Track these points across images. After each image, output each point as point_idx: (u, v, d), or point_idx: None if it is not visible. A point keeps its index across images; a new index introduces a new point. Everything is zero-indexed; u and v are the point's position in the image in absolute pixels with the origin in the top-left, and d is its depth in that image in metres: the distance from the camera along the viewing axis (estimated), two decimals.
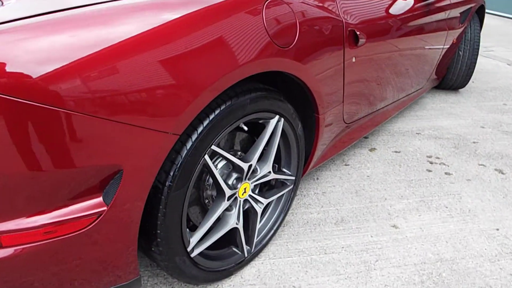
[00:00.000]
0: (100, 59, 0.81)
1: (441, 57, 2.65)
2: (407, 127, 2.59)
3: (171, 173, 1.03)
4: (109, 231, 0.93)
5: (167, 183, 1.03)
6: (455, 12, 2.55)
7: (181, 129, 0.98)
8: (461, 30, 2.76)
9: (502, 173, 2.10)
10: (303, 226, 1.67)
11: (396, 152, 2.28)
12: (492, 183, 2.01)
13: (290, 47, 1.20)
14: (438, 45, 2.48)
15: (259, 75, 1.33)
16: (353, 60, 1.57)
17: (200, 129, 1.05)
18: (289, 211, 1.75)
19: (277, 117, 1.30)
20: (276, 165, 1.49)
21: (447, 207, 1.82)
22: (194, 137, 1.05)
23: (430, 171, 2.10)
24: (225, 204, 1.23)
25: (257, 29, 1.09)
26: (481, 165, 2.18)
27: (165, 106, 0.91)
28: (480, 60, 4.24)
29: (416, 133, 2.52)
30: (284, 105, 1.31)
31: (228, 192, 1.22)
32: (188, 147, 1.04)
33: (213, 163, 1.24)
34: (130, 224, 0.97)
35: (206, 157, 1.10)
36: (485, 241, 1.62)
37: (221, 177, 1.24)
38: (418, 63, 2.33)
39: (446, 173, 2.08)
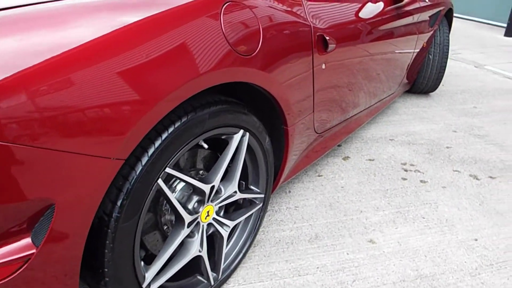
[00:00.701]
0: (16, 77, 0.67)
1: (412, 61, 2.61)
2: (380, 133, 2.53)
3: (118, 203, 0.89)
4: (41, 276, 0.79)
5: (114, 214, 0.89)
6: (425, 16, 2.52)
7: (126, 153, 0.84)
8: (430, 33, 2.73)
9: (477, 179, 2.06)
10: (275, 246, 1.56)
11: (370, 160, 2.20)
12: (467, 190, 1.96)
13: (253, 55, 1.09)
14: (408, 49, 2.44)
15: (222, 86, 1.22)
16: (323, 66, 1.48)
17: (151, 151, 0.92)
18: (260, 230, 1.64)
19: (241, 131, 1.18)
20: (244, 183, 1.37)
21: (424, 218, 1.75)
22: (144, 160, 0.91)
23: (405, 179, 2.03)
24: (185, 231, 1.10)
25: (214, 37, 0.98)
26: (455, 171, 2.13)
27: (104, 126, 0.78)
28: (449, 63, 4.27)
29: (390, 139, 2.46)
30: (249, 118, 1.19)
31: (188, 219, 1.09)
32: (137, 172, 0.90)
33: (169, 186, 1.11)
34: (69, 265, 0.83)
35: (160, 181, 0.97)
36: (465, 253, 1.55)
37: (180, 201, 1.12)
38: (390, 67, 2.27)
39: (421, 181, 2.02)
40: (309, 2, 1.42)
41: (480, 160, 2.25)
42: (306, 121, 1.50)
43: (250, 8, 1.11)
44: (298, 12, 1.34)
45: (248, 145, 1.25)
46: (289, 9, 1.30)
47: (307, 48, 1.34)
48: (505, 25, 6.00)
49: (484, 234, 1.66)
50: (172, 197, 1.03)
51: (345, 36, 1.63)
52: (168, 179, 1.11)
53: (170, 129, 0.95)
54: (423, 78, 3.02)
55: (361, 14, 1.80)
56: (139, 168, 0.91)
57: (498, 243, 1.61)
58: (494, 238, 1.64)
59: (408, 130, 2.59)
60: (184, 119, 0.98)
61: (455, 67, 4.18)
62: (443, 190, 1.95)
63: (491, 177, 2.08)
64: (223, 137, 1.17)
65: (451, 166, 2.17)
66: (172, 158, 0.98)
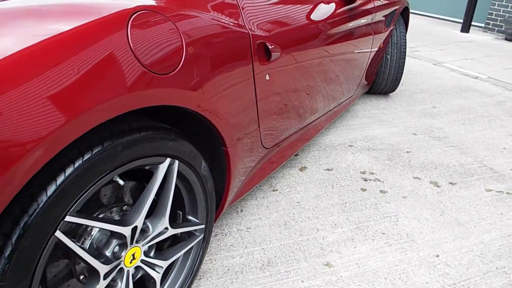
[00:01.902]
0: None
1: (369, 62, 2.52)
2: (339, 139, 2.42)
3: None
4: None
5: None
6: (380, 16, 2.42)
7: (1, 206, 0.66)
8: (387, 33, 2.65)
9: (437, 186, 1.98)
10: (223, 276, 1.40)
11: (328, 170, 2.09)
12: (428, 199, 1.87)
13: (174, 72, 0.92)
14: (365, 50, 2.33)
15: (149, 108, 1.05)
16: (267, 77, 1.33)
17: (42, 199, 0.74)
18: (208, 258, 1.47)
19: (168, 160, 1.02)
20: (180, 213, 1.21)
21: (384, 234, 1.64)
22: (32, 210, 0.73)
23: (364, 190, 1.93)
24: (102, 283, 0.93)
25: (119, 55, 0.80)
26: (416, 178, 2.04)
27: None
28: (407, 61, 4.26)
29: (349, 146, 2.35)
30: (177, 144, 1.03)
31: (103, 269, 0.91)
32: (22, 227, 0.72)
33: (79, 234, 0.92)
34: None
35: (59, 233, 0.79)
36: (426, 272, 1.45)
37: (97, 247, 0.94)
38: (346, 70, 2.16)
39: (381, 191, 1.92)
40: (248, 7, 1.26)
41: (440, 165, 2.18)
42: (251, 139, 1.35)
43: (170, 18, 0.94)
44: (234, 19, 1.18)
45: (181, 173, 1.09)
46: (222, 16, 1.14)
47: (244, 59, 1.18)
48: (461, 21, 6.10)
49: (446, 248, 1.57)
50: (79, 249, 0.85)
51: (293, 41, 1.49)
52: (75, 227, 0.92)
53: (69, 170, 0.77)
54: (381, 79, 2.94)
55: (311, 17, 1.66)
56: (23, 222, 0.72)
57: (460, 258, 1.53)
58: (456, 253, 1.55)
59: (368, 135, 2.50)
60: (87, 156, 0.80)
61: (414, 65, 4.16)
62: (404, 200, 1.86)
63: (451, 183, 2.01)
64: (146, 167, 1.00)
65: (411, 173, 2.09)
66: (74, 204, 0.80)
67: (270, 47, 1.29)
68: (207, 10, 1.09)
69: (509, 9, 5.86)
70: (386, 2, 2.55)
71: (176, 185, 1.11)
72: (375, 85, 3.00)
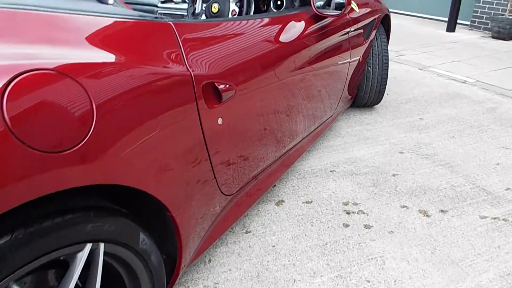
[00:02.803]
0: None
1: (348, 79, 2.34)
2: (320, 164, 2.24)
3: None
4: None
5: None
6: (357, 28, 2.25)
7: None
8: (366, 45, 2.47)
9: (427, 215, 1.80)
10: None
11: (307, 202, 1.90)
12: (417, 233, 1.69)
13: (80, 145, 0.73)
14: (342, 67, 2.16)
15: None
16: (220, 121, 1.14)
17: None
18: None
19: (88, 246, 0.82)
20: None
21: (368, 281, 1.45)
22: None
23: (347, 225, 1.74)
24: None
25: None
26: (403, 207, 1.86)
27: None
28: (392, 66, 4.09)
29: (330, 171, 2.17)
30: (100, 224, 0.84)
31: None
32: None
33: None
34: None
35: None
36: None
37: None
38: (324, 90, 1.98)
39: (365, 226, 1.74)
40: (190, 42, 1.07)
41: (430, 189, 2.00)
42: (204, 194, 1.16)
43: (72, 76, 0.74)
44: (171, 60, 0.99)
45: (111, 253, 0.89)
46: (155, 59, 0.95)
47: (185, 107, 0.99)
48: (447, 19, 5.96)
49: None
50: None
51: (253, 72, 1.30)
52: None
53: None
54: (364, 93, 2.77)
55: (277, 39, 1.48)
56: None
57: None
58: None
59: (351, 157, 2.32)
60: None
61: (400, 70, 3.99)
62: (390, 236, 1.68)
63: (442, 211, 1.84)
64: (61, 258, 0.81)
65: (398, 201, 1.91)
66: None
67: (220, 87, 1.10)
68: (134, 55, 0.90)
69: (494, 6, 5.73)
70: (364, 12, 2.38)
71: (109, 264, 0.92)
72: (358, 99, 2.82)
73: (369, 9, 2.49)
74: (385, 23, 2.85)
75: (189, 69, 1.02)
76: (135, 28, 0.95)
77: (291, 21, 1.64)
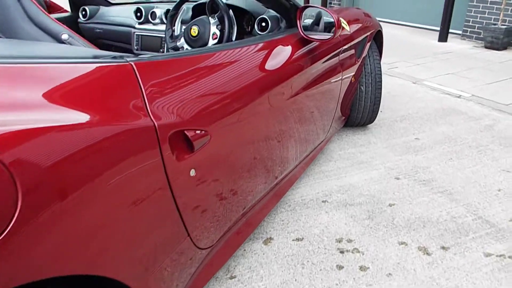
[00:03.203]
0: None
1: (340, 102, 2.21)
2: (312, 193, 2.10)
3: None
4: None
5: None
6: (348, 48, 2.12)
7: None
8: (358, 64, 2.34)
9: (428, 254, 1.66)
10: None
11: (298, 240, 1.75)
12: (418, 275, 1.55)
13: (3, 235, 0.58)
14: (333, 91, 2.02)
15: None
16: (192, 173, 0.99)
17: None
18: None
19: None
20: None
21: None
22: None
23: (341, 267, 1.59)
24: None
25: None
26: (402, 243, 1.72)
27: None
28: (385, 80, 3.98)
29: (323, 201, 2.02)
30: None
31: None
32: None
33: None
34: None
35: None
36: None
37: None
38: (315, 114, 1.85)
39: (361, 268, 1.59)
40: (155, 88, 0.92)
41: (429, 221, 1.86)
42: (177, 254, 1.01)
43: None
44: (130, 110, 0.84)
45: None
46: (108, 113, 0.80)
47: (148, 165, 0.84)
48: (438, 29, 5.89)
49: None
50: None
51: (233, 110, 1.16)
52: None
53: None
54: (357, 112, 2.64)
55: (260, 69, 1.34)
56: None
57: None
58: None
59: (344, 184, 2.18)
60: None
61: (393, 84, 3.88)
62: (388, 280, 1.53)
63: (443, 247, 1.69)
64: None
65: (396, 236, 1.77)
66: None
67: (190, 135, 0.95)
68: (82, 111, 0.75)
69: (486, 15, 5.67)
70: (355, 30, 2.25)
71: None
72: (351, 119, 2.69)
73: (360, 26, 2.37)
74: (378, 39, 2.73)
75: (153, 119, 0.87)
76: (86, 75, 0.80)
77: (276, 46, 1.50)
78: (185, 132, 0.94)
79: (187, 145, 0.96)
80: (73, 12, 2.49)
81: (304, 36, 1.58)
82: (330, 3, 8.54)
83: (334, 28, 1.62)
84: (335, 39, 1.94)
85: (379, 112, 3.16)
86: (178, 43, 1.87)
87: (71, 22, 2.44)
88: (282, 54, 1.51)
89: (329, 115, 2.09)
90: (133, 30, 2.21)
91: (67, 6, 2.55)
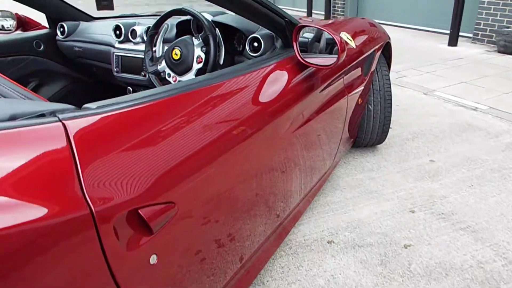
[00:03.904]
0: None
1: (344, 130, 1.96)
2: (316, 232, 1.85)
3: None
4: None
5: None
6: (354, 67, 1.87)
7: None
8: (365, 83, 2.09)
9: None
10: None
11: None
12: None
13: None
14: (337, 120, 1.78)
15: None
16: (153, 260, 0.75)
17: None
18: None
19: None
20: None
21: None
22: None
23: None
24: None
25: None
26: None
27: None
28: (394, 90, 3.72)
29: (328, 242, 1.77)
30: None
31: None
32: None
33: None
34: None
35: None
36: None
37: None
38: (317, 143, 1.61)
39: None
40: (93, 151, 0.68)
41: (452, 268, 1.60)
42: None
43: None
44: (55, 192, 0.60)
45: None
46: (23, 201, 0.56)
47: (86, 265, 0.61)
48: (448, 32, 5.61)
49: None
50: None
51: (213, 162, 0.92)
52: None
53: None
54: (365, 133, 2.39)
55: (248, 103, 1.10)
56: None
57: None
58: None
59: (353, 219, 1.93)
60: None
61: (402, 96, 3.62)
62: None
63: None
64: None
65: None
66: None
67: (147, 215, 0.71)
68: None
69: (498, 18, 5.39)
70: (361, 44, 2.00)
71: None
72: (359, 140, 2.44)
73: (366, 39, 2.12)
74: (386, 51, 2.48)
75: (90, 203, 0.63)
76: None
77: (269, 75, 1.26)
78: (139, 212, 0.70)
79: (143, 227, 0.72)
80: (51, 28, 2.27)
81: (302, 62, 1.33)
82: (334, 6, 8.29)
83: (337, 49, 1.37)
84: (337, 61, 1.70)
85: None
86: (159, 67, 1.63)
87: (48, 40, 2.22)
88: (276, 83, 1.27)
89: (334, 141, 1.84)
90: (112, 49, 1.98)
91: (45, 22, 2.33)
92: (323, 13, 8.04)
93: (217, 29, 1.55)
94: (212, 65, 1.49)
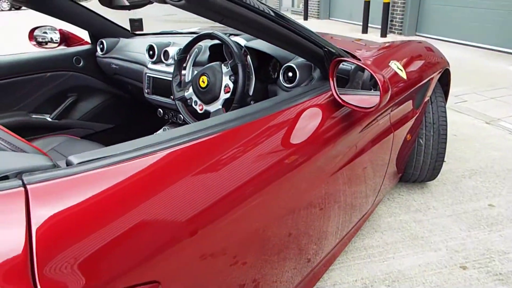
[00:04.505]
0: None
1: (390, 164, 1.75)
2: (348, 281, 1.65)
3: None
4: None
5: None
6: (402, 100, 1.67)
7: None
8: (416, 117, 1.87)
9: None
10: None
11: None
12: None
13: None
14: (379, 164, 1.59)
15: None
16: None
17: None
18: None
19: None
20: None
21: None
22: None
23: None
24: None
25: None
26: None
27: None
28: (451, 117, 3.39)
29: None
30: None
31: None
32: None
33: None
34: None
35: None
36: None
37: None
38: (355, 187, 1.43)
39: None
40: (54, 232, 0.57)
41: None
42: None
43: None
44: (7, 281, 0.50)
45: None
46: None
47: None
48: None
49: None
50: None
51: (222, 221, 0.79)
52: None
53: None
54: (413, 169, 2.15)
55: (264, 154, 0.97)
56: None
57: None
58: None
59: (392, 270, 1.71)
60: None
61: (460, 124, 3.29)
62: None
63: None
64: None
65: None
66: None
67: None
68: None
69: None
70: (414, 73, 1.79)
71: None
72: (406, 175, 2.20)
73: (421, 66, 1.90)
74: (443, 78, 2.23)
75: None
76: None
77: (301, 114, 1.11)
78: None
79: None
80: (92, 44, 2.27)
81: (339, 101, 1.17)
82: (392, 21, 7.93)
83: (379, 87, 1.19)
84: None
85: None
86: (186, 93, 1.54)
87: (88, 56, 2.22)
88: (312, 120, 1.13)
89: (379, 175, 1.65)
90: (145, 70, 1.92)
91: (87, 38, 2.34)
92: (380, 27, 7.71)
93: (248, 57, 1.43)
94: (240, 96, 1.36)
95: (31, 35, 2.16)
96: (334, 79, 1.17)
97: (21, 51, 2.09)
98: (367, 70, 1.16)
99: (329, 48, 1.24)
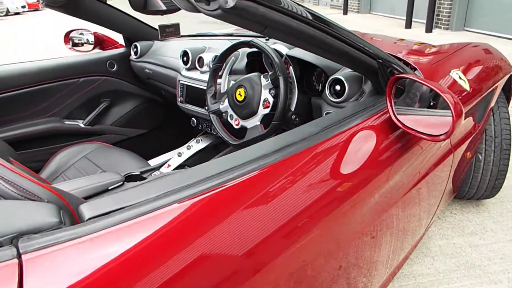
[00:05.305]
0: None
1: (448, 184, 1.56)
2: None
3: None
4: None
5: None
6: (467, 116, 1.47)
7: None
8: (477, 131, 1.66)
9: None
10: None
11: None
12: None
13: None
14: (436, 186, 1.41)
15: None
16: None
17: None
18: None
19: None
20: None
21: None
22: None
23: None
24: None
25: None
26: None
27: None
28: None
29: None
30: None
31: None
32: None
33: None
34: None
35: None
36: None
37: None
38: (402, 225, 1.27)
39: None
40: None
41: None
42: None
43: None
44: None
45: None
46: None
47: None
48: None
49: None
50: None
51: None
52: None
53: None
54: (470, 187, 1.93)
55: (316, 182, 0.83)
56: None
57: None
58: None
59: None
60: None
61: None
62: None
63: None
64: None
65: None
66: None
67: None
68: None
69: None
70: (475, 82, 1.58)
71: None
72: (461, 192, 1.99)
73: (483, 75, 1.68)
74: (506, 85, 1.99)
75: None
76: None
77: (351, 139, 0.96)
78: None
79: None
80: (126, 47, 2.20)
81: (398, 125, 1.00)
82: (438, 15, 7.48)
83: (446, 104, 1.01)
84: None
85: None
86: (221, 106, 1.42)
87: (122, 59, 2.15)
88: (366, 143, 0.98)
89: (436, 195, 1.48)
90: (179, 76, 1.82)
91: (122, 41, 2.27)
92: (425, 21, 7.30)
93: (290, 68, 1.28)
94: (281, 112, 1.22)
95: (66, 38, 2.11)
96: (393, 100, 1.01)
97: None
98: (437, 90, 0.98)
99: (384, 61, 1.08)
